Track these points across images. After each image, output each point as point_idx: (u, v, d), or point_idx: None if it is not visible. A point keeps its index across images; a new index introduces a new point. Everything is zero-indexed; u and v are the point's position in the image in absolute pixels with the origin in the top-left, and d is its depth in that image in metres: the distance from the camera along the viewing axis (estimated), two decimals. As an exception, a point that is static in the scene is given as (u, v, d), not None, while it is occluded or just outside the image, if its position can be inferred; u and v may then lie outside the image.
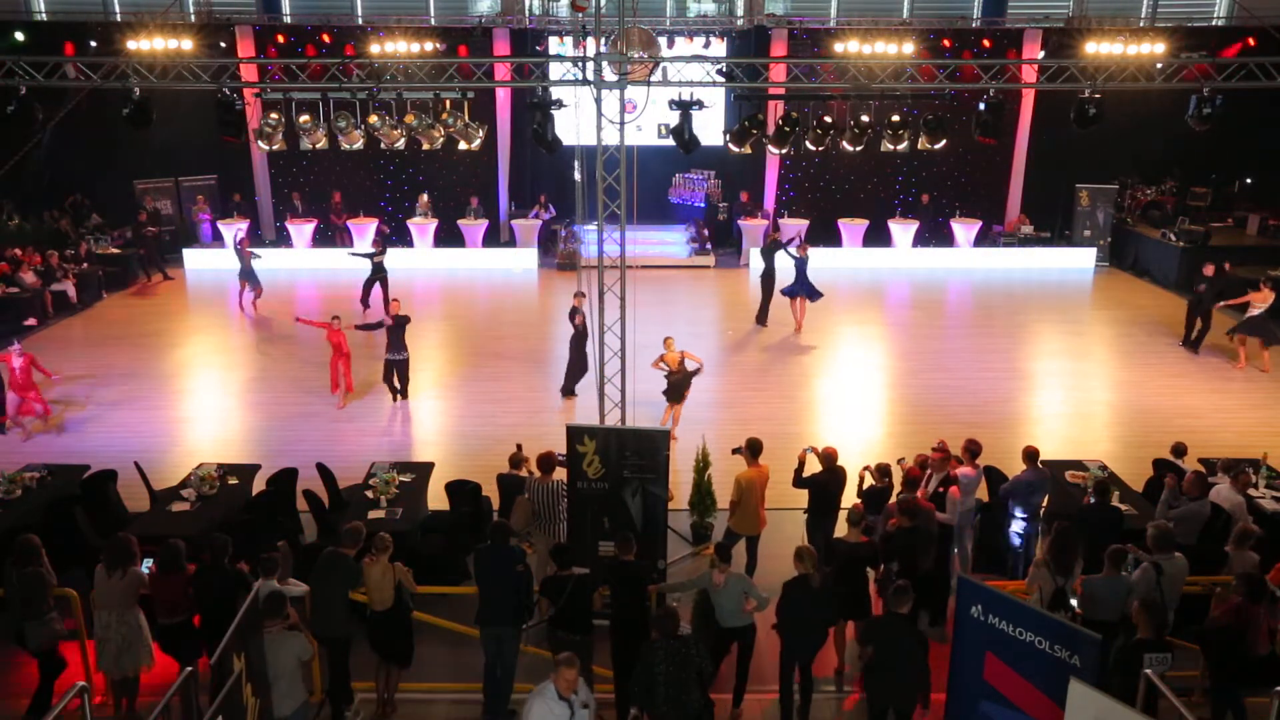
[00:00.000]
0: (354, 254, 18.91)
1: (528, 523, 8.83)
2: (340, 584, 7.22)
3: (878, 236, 22.62)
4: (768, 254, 17.25)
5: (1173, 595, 7.30)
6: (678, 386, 12.24)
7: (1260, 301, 15.05)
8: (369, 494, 9.41)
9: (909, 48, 20.13)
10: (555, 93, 12.74)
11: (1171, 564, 7.32)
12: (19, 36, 20.07)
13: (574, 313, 13.47)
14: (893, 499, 8.63)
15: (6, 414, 12.58)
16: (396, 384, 13.55)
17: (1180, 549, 7.57)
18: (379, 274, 17.71)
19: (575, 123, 12.53)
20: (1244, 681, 6.86)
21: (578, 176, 16.44)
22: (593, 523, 8.50)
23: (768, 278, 17.16)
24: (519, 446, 9.47)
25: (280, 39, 21.54)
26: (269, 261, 20.12)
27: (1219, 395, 14.19)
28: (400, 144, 18.37)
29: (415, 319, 13.99)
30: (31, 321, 16.69)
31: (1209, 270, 15.81)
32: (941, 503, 8.64)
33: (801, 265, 16.57)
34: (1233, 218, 22.32)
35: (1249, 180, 23.04)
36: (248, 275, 17.95)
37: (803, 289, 16.67)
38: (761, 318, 17.31)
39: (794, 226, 20.96)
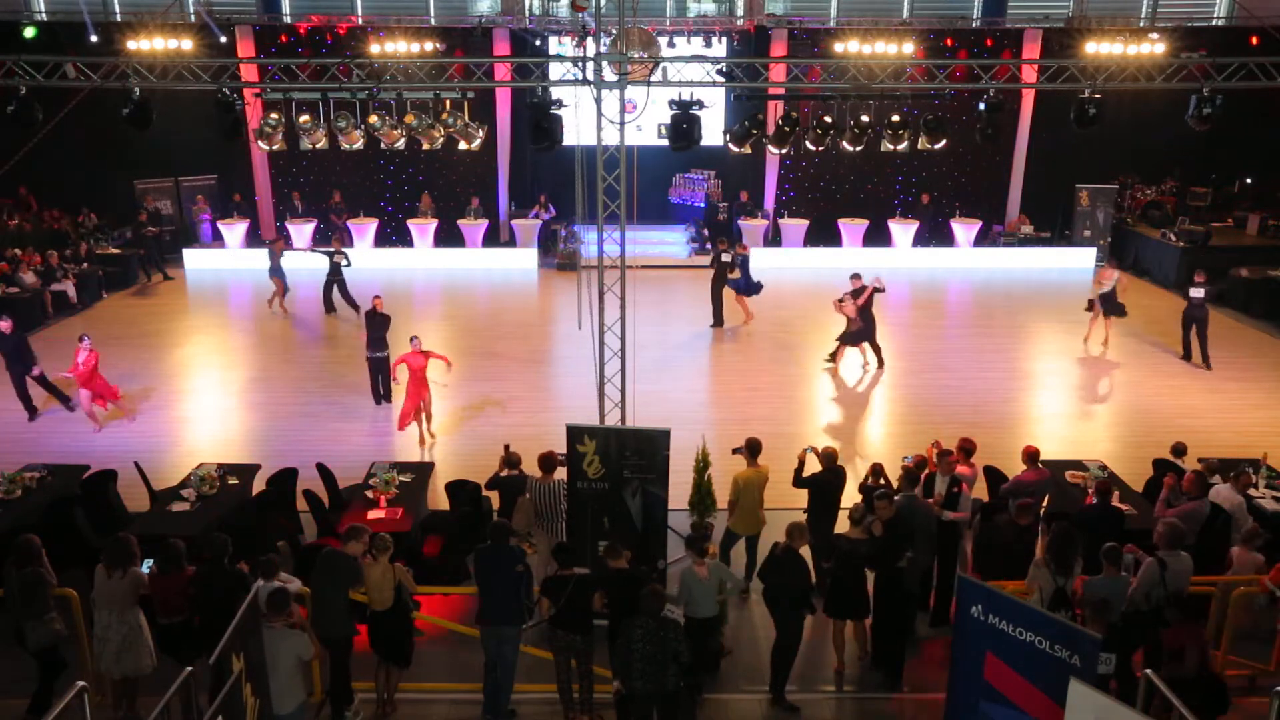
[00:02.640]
0: (314, 251, 18.88)
1: (530, 523, 8.83)
2: (340, 584, 7.22)
3: (878, 236, 22.62)
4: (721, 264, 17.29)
5: (1178, 593, 7.28)
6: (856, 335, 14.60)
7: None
8: (369, 494, 9.41)
9: (909, 48, 20.13)
10: (555, 93, 12.73)
11: (1178, 561, 7.31)
12: (28, 34, 20.09)
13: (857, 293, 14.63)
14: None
15: (85, 406, 12.65)
16: (381, 384, 13.43)
17: (1185, 548, 7.57)
18: (336, 275, 17.72)
19: (575, 123, 12.55)
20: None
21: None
22: (593, 522, 8.50)
23: (719, 281, 17.18)
24: (506, 447, 9.47)
25: (280, 39, 21.55)
26: (267, 261, 20.07)
27: (1219, 395, 14.19)
28: (400, 144, 18.35)
29: (416, 319, 13.99)
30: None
31: (1201, 278, 15.32)
32: (955, 503, 8.62)
33: (744, 264, 16.99)
34: (1233, 218, 22.32)
35: (1249, 180, 23.03)
36: (276, 272, 17.92)
37: (743, 287, 17.08)
38: (718, 318, 17.32)
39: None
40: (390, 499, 9.31)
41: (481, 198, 22.78)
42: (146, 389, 14.27)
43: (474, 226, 22.54)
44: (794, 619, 7.69)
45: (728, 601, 8.35)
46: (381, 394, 13.49)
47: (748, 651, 8.41)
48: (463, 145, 18.27)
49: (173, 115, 17.19)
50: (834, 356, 15.15)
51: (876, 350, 15.05)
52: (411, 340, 12.16)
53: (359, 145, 18.69)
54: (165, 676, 6.27)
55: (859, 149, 17.35)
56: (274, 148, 17.71)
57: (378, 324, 13.16)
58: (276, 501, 9.59)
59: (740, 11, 21.86)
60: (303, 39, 21.53)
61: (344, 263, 17.63)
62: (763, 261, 21.79)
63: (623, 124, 9.77)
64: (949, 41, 21.47)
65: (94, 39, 19.62)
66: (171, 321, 17.93)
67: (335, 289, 17.84)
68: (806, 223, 22.68)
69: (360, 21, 21.92)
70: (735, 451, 9.14)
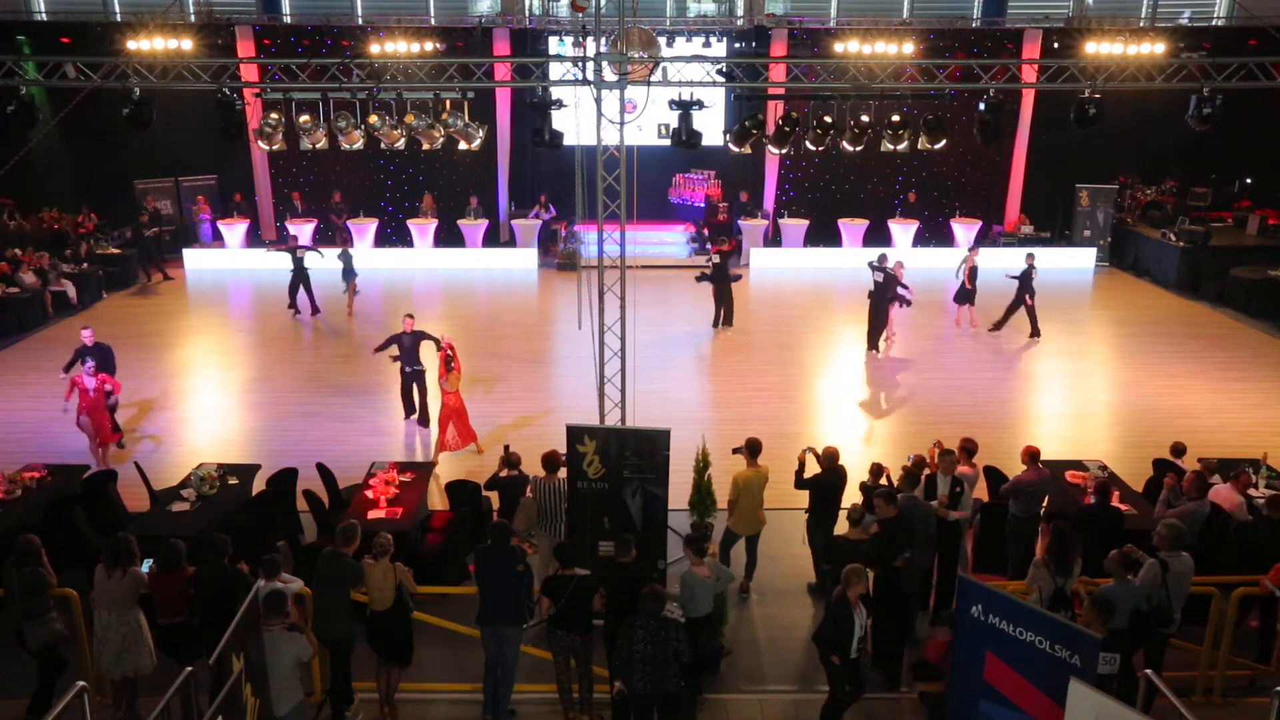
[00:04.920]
0: (274, 250, 18.84)
1: (531, 523, 8.83)
2: (342, 584, 7.22)
3: (878, 236, 22.63)
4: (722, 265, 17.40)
5: (1179, 594, 7.28)
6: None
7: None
8: (369, 494, 9.41)
9: (909, 48, 20.13)
10: (555, 93, 12.73)
11: (1179, 562, 7.29)
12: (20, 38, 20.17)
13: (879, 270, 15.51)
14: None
15: (100, 438, 11.53)
16: (416, 398, 12.91)
17: (1186, 548, 7.56)
18: (299, 272, 17.68)
19: (575, 123, 12.56)
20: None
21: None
22: (593, 522, 8.49)
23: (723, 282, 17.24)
24: (506, 447, 9.48)
25: (280, 39, 21.54)
26: (270, 261, 20.05)
27: (1219, 395, 14.19)
28: (400, 144, 18.34)
29: (415, 319, 13.92)
30: None
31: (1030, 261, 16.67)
32: (958, 502, 8.61)
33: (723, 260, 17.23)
34: (1233, 218, 22.33)
35: (1249, 180, 23.04)
36: (349, 275, 17.95)
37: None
38: (728, 319, 17.34)
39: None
40: (390, 498, 9.32)
41: (481, 198, 22.78)
42: (147, 389, 14.27)
43: (474, 226, 22.54)
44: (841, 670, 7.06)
45: (728, 601, 8.36)
46: (414, 407, 12.94)
47: (748, 651, 8.42)
48: (463, 145, 18.26)
49: (173, 115, 17.21)
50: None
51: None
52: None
53: (359, 145, 18.67)
54: (165, 676, 6.28)
55: (859, 149, 17.37)
56: (274, 148, 17.71)
57: (413, 340, 12.66)
58: (276, 501, 9.59)
59: (740, 11, 21.86)
60: (303, 39, 21.52)
61: (306, 257, 17.49)
62: (763, 261, 21.90)
63: (623, 124, 9.77)
64: (949, 43, 21.47)
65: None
66: (171, 321, 17.93)
67: (300, 287, 17.76)
68: (806, 223, 22.69)
69: (360, 21, 21.92)
70: (735, 451, 9.13)
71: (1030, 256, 16.79)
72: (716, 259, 17.29)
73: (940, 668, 6.63)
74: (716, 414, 13.39)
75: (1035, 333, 16.71)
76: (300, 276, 17.73)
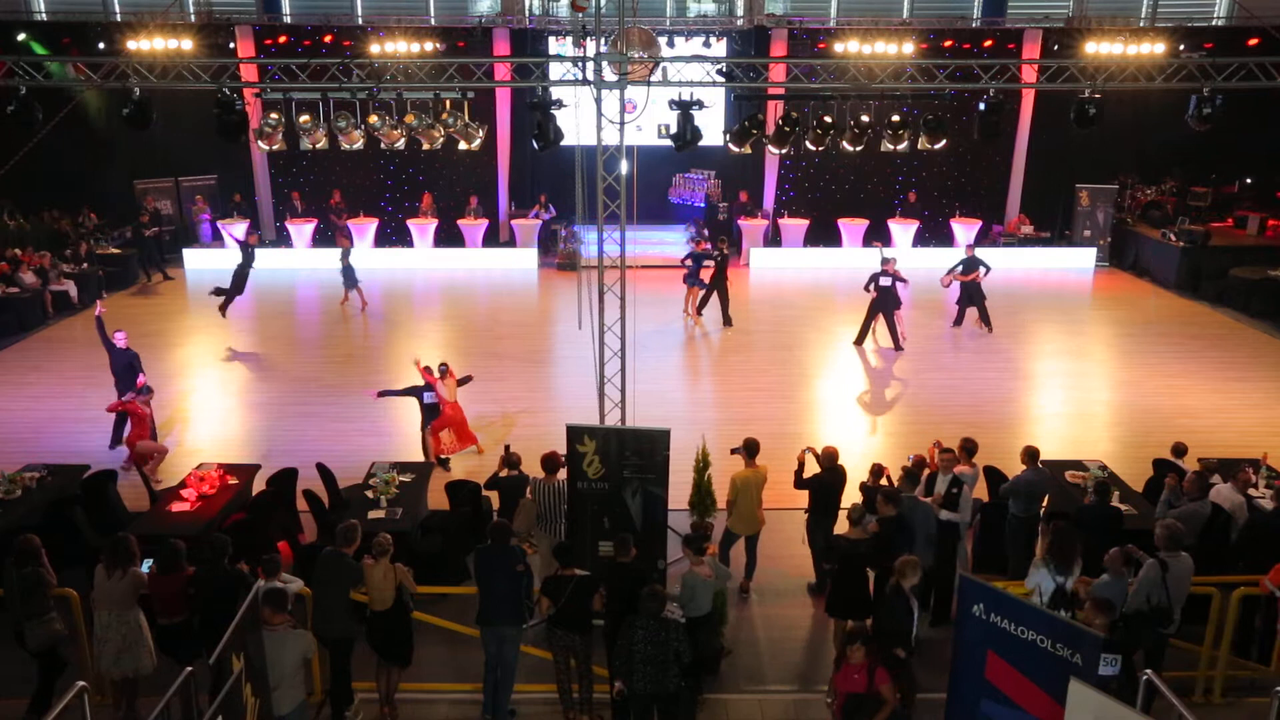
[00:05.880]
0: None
1: (531, 524, 8.83)
2: (342, 584, 7.22)
3: (878, 236, 22.59)
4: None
5: (1179, 594, 7.28)
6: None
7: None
8: (369, 494, 9.41)
9: (909, 48, 20.13)
10: (555, 93, 12.72)
11: (1178, 562, 7.30)
12: (22, 37, 20.15)
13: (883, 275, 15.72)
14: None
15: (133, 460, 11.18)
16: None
17: (1185, 548, 7.56)
18: (242, 273, 16.89)
19: (575, 123, 12.55)
20: None
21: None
22: (593, 522, 8.49)
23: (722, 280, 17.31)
24: (506, 448, 9.47)
25: (280, 39, 21.55)
26: (268, 261, 20.10)
27: (1219, 395, 14.19)
28: (400, 144, 18.36)
29: (415, 319, 13.96)
30: None
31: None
32: (955, 502, 8.61)
33: (697, 259, 17.55)
34: (1233, 218, 22.33)
35: (1249, 180, 23.05)
36: (345, 273, 18.05)
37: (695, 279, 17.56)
38: (726, 320, 17.41)
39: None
40: (390, 499, 9.32)
41: (481, 198, 22.78)
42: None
43: (474, 226, 22.54)
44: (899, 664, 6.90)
45: (728, 601, 8.36)
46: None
47: (748, 651, 8.42)
48: (463, 145, 18.27)
49: (173, 115, 17.19)
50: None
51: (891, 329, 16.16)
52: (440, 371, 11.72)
53: (359, 145, 18.68)
54: (165, 676, 6.28)
55: (859, 149, 17.38)
56: (274, 148, 17.70)
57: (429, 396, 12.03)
58: (276, 501, 9.59)
59: (740, 11, 21.86)
60: (303, 39, 21.51)
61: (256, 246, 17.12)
62: (763, 261, 21.89)
63: (623, 124, 9.77)
64: (949, 43, 21.47)
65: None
66: (171, 321, 17.93)
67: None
68: (806, 223, 22.69)
69: (360, 21, 21.92)
70: (734, 452, 9.13)
71: (970, 248, 17.65)
72: (716, 255, 17.28)
73: (878, 691, 6.25)
74: (716, 414, 13.38)
75: (958, 322, 17.41)
76: (240, 277, 16.93)
